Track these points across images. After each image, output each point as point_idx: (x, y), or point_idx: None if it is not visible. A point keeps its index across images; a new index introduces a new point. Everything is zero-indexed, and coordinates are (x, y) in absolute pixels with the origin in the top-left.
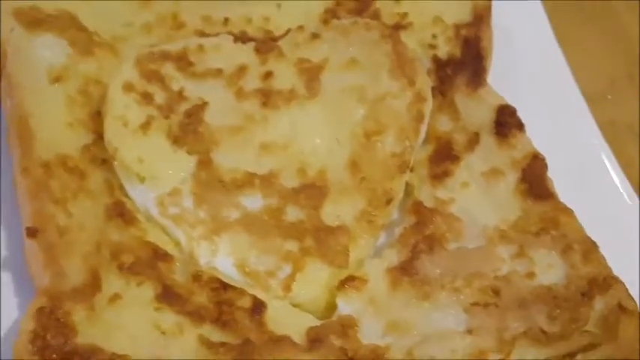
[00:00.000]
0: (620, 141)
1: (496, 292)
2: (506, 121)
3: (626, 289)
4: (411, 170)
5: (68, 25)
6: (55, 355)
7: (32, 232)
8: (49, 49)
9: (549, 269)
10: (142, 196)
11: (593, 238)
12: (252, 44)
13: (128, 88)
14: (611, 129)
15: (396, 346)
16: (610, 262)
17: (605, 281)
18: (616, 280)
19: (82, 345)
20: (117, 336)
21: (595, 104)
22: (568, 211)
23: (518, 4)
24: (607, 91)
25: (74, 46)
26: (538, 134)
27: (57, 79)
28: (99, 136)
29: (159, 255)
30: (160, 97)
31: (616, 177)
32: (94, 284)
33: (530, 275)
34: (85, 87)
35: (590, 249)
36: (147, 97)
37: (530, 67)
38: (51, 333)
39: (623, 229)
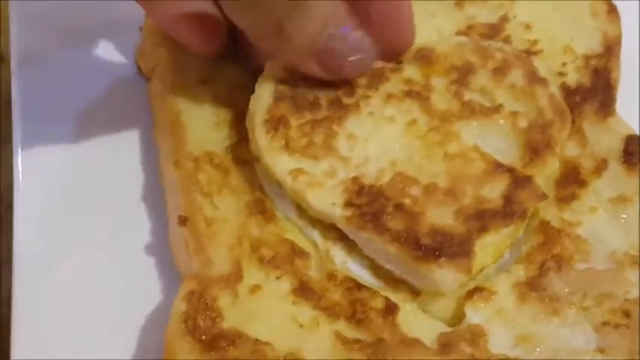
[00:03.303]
0: None
1: (627, 314)
2: (635, 151)
3: None
4: None
5: None
6: (204, 337)
7: (183, 221)
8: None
9: None
10: (280, 199)
11: None
12: None
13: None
14: None
15: (525, 358)
16: None
17: None
18: None
19: (227, 329)
20: (257, 324)
21: None
22: None
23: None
24: None
25: None
26: None
27: (205, 81)
28: (243, 138)
29: (296, 252)
30: None
31: None
32: (236, 273)
33: None
34: (230, 90)
35: None
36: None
37: None
38: (200, 315)
39: None
